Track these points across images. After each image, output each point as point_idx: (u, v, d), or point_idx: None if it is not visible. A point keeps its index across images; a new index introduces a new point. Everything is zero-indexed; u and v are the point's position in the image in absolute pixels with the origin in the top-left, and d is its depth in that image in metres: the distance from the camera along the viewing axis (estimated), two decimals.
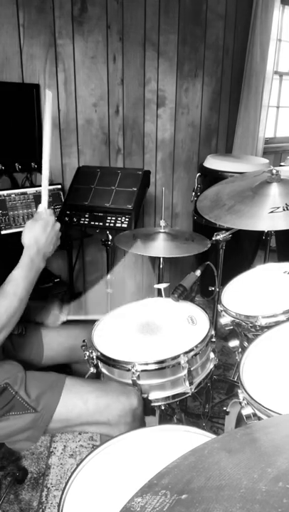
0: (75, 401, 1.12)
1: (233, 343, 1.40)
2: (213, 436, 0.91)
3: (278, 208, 1.28)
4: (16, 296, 1.06)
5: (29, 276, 1.09)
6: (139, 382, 1.17)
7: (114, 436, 1.12)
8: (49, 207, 1.19)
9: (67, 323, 1.46)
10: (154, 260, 2.83)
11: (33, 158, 2.14)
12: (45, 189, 1.18)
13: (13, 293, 1.05)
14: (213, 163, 2.52)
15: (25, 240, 1.13)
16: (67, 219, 1.92)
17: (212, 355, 1.32)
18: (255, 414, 0.95)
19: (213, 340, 1.31)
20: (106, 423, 1.13)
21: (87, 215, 1.90)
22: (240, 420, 1.16)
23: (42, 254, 1.13)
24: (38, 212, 1.17)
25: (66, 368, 1.50)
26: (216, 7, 2.70)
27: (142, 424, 1.17)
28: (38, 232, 1.13)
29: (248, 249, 2.73)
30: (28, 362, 1.34)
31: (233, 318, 1.36)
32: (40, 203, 1.19)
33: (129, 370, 1.16)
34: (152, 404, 1.21)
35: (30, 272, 1.10)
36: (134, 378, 1.15)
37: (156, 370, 1.17)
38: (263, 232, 2.24)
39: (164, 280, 1.78)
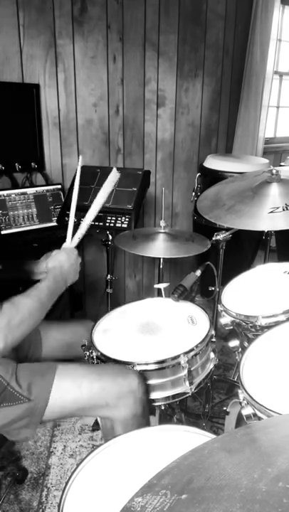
0: (69, 386, 1.12)
1: (233, 343, 1.39)
2: (213, 436, 0.91)
3: (278, 208, 1.28)
4: (40, 300, 1.09)
5: (51, 288, 1.15)
6: None
7: (114, 418, 1.13)
8: (49, 207, 1.21)
9: (65, 319, 1.45)
10: (154, 260, 2.83)
11: (33, 158, 2.14)
12: (70, 228, 1.32)
13: (36, 296, 1.10)
14: (213, 163, 2.52)
15: (50, 264, 1.23)
16: (67, 219, 1.91)
17: (212, 355, 1.32)
18: (255, 414, 0.95)
19: (213, 340, 1.32)
20: (104, 406, 1.13)
21: None
22: (240, 420, 1.16)
23: (65, 278, 1.22)
24: (63, 247, 1.30)
25: None
26: (216, 7, 2.69)
27: (145, 406, 1.16)
28: (63, 259, 1.24)
29: (248, 249, 2.72)
30: (26, 358, 1.34)
31: (233, 318, 1.36)
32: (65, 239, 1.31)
33: None
34: (152, 404, 1.21)
35: (53, 287, 1.16)
36: None
37: (156, 370, 1.18)
38: (263, 232, 2.24)
39: (164, 280, 1.78)
